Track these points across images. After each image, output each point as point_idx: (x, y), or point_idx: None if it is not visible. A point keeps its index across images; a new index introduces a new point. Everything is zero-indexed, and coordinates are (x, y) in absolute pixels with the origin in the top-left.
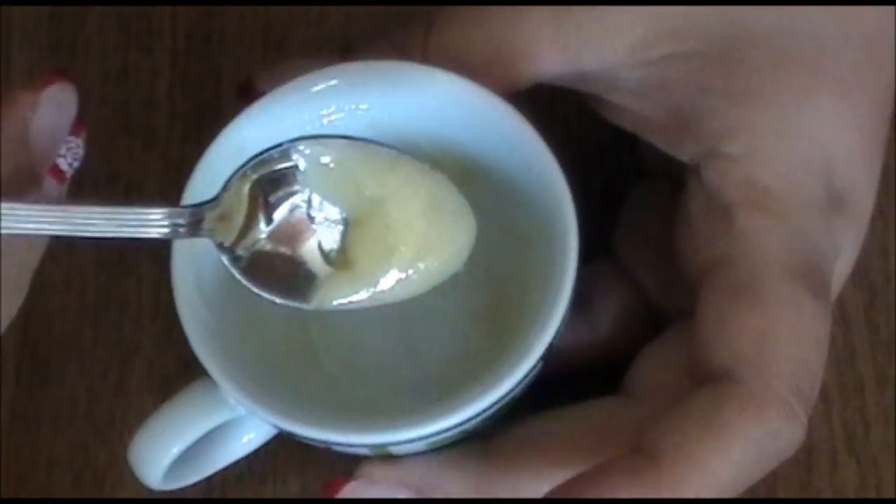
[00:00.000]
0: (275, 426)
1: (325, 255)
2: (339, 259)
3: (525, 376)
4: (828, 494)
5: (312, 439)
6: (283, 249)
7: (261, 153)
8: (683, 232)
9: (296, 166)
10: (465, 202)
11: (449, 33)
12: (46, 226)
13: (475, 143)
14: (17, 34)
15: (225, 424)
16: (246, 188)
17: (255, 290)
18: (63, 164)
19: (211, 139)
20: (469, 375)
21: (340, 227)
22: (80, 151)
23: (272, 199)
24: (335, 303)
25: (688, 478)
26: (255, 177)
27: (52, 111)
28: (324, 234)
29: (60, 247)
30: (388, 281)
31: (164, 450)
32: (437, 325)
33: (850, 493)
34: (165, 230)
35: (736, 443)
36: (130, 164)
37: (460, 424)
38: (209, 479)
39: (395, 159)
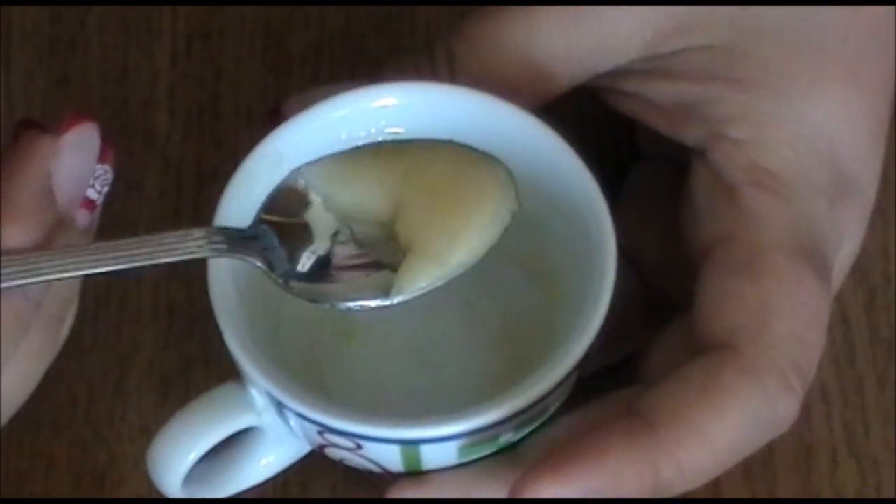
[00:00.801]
0: (307, 419)
1: (384, 263)
2: (398, 256)
3: (566, 377)
4: (828, 494)
5: (345, 433)
6: (348, 268)
7: (274, 191)
8: (687, 211)
9: (309, 200)
10: (485, 151)
11: (471, 63)
12: (72, 268)
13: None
14: (17, 34)
15: (245, 443)
16: (268, 227)
17: (341, 305)
18: (92, 193)
19: (212, 139)
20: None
21: (383, 229)
22: (109, 176)
23: (305, 232)
24: (418, 288)
25: (683, 440)
26: (274, 215)
27: (74, 156)
28: (372, 244)
29: None
30: (457, 247)
31: (183, 452)
32: (465, 351)
33: (850, 493)
34: (208, 251)
35: (732, 408)
36: (130, 164)
37: (496, 424)
38: None
39: (398, 144)
